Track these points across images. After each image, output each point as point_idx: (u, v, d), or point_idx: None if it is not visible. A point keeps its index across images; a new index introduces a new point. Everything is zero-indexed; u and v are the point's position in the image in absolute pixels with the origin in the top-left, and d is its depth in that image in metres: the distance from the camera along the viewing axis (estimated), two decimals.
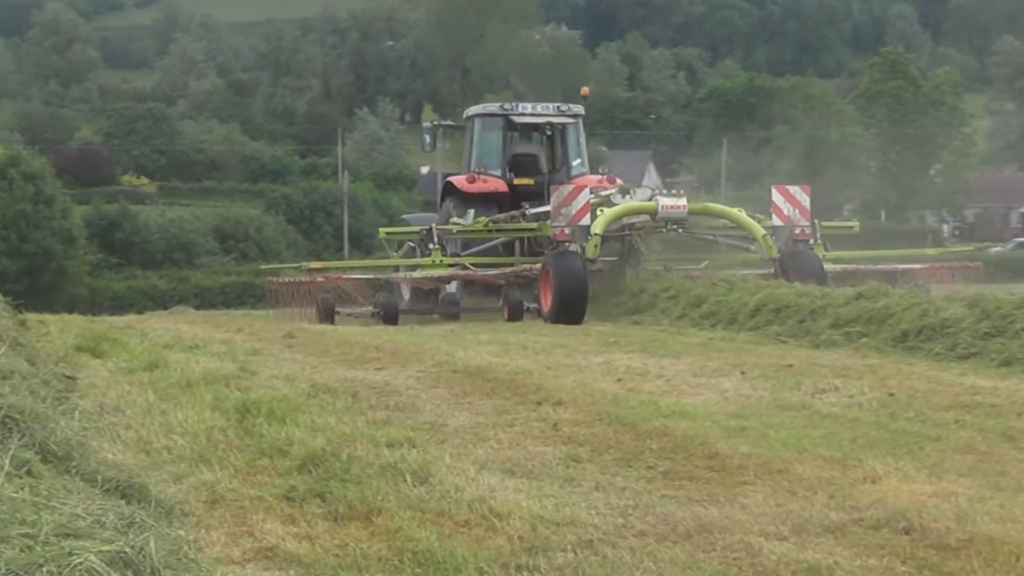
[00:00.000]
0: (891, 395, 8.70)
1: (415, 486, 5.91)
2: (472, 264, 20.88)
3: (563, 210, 18.52)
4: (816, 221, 19.69)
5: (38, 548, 3.57)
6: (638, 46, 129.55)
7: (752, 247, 19.53)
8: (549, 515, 5.44)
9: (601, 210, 19.12)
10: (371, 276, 22.64)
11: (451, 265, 20.74)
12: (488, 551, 4.96)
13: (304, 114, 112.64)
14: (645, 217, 19.45)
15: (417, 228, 22.77)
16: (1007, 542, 5.04)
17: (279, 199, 69.66)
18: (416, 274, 20.93)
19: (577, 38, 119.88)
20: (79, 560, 3.47)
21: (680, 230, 19.73)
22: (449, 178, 24.21)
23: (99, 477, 5.27)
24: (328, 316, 19.80)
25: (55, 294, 47.20)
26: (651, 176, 76.45)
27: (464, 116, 25.21)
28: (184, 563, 3.91)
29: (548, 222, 19.45)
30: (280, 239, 63.59)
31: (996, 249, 56.19)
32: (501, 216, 21.93)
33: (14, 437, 5.18)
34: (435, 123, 28.15)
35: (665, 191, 21.00)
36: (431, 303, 22.16)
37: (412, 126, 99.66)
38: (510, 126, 23.90)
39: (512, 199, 22.84)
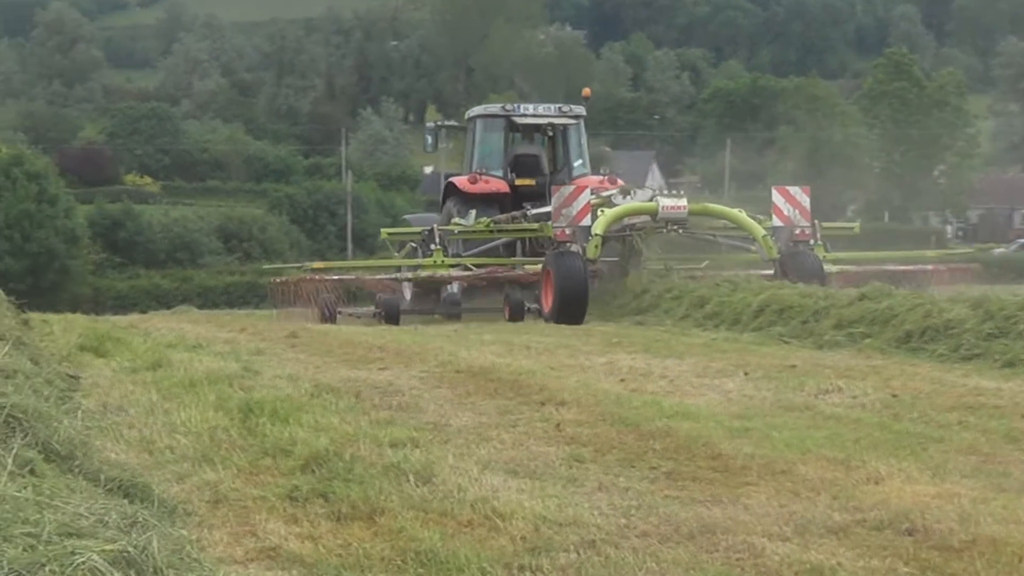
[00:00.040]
0: (894, 396, 8.68)
1: (418, 486, 5.91)
2: (474, 264, 20.89)
3: (564, 211, 18.53)
4: (816, 222, 19.68)
5: (41, 547, 3.57)
6: (642, 46, 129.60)
7: (752, 247, 19.55)
8: (552, 515, 5.43)
9: (602, 211, 19.14)
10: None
11: (452, 266, 20.75)
12: (491, 551, 4.96)
13: (308, 114, 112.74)
14: (646, 218, 19.48)
15: (419, 228, 22.78)
16: (1010, 543, 5.04)
17: (283, 199, 69.73)
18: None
19: (581, 38, 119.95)
20: (82, 559, 3.47)
21: (680, 231, 19.76)
22: (451, 179, 24.22)
23: (102, 476, 5.27)
24: (330, 316, 19.80)
25: (58, 293, 47.24)
26: (655, 177, 76.41)
27: (466, 117, 25.26)
28: (187, 563, 3.90)
29: (549, 223, 19.48)
30: (284, 239, 63.61)
31: (1000, 250, 56.18)
32: (502, 217, 21.96)
33: (17, 436, 5.18)
34: (437, 124, 28.16)
35: (668, 191, 21.04)
36: (432, 303, 22.16)
37: (416, 126, 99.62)
38: (512, 127, 23.92)
39: (513, 200, 22.87)
